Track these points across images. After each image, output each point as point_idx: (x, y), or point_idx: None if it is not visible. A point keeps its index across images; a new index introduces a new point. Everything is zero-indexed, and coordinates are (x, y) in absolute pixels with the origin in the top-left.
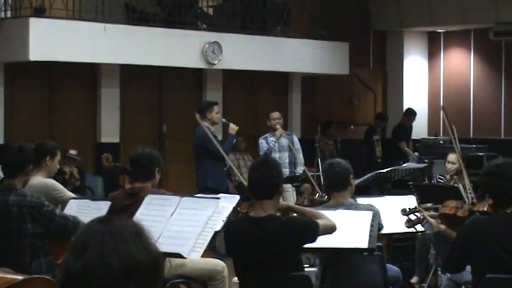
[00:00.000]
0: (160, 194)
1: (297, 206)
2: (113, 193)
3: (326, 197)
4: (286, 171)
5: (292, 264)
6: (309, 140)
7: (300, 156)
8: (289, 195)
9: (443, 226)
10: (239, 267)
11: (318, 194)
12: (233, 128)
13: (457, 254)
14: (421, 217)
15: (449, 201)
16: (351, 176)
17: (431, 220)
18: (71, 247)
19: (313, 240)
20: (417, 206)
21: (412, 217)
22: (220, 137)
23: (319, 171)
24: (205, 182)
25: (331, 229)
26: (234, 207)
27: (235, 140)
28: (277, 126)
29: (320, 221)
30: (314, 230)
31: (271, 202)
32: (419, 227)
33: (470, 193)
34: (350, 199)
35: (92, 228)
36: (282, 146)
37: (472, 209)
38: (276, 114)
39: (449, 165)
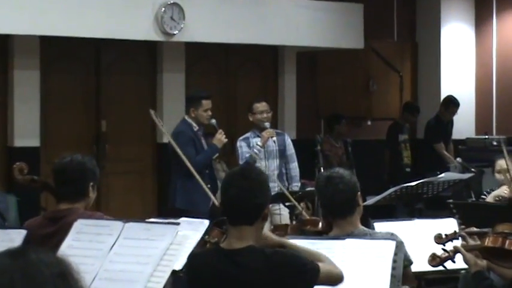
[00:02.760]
0: (96, 219)
1: (292, 243)
2: (31, 220)
3: (321, 224)
4: (274, 187)
5: None
6: (308, 142)
7: (295, 166)
8: (284, 220)
9: (484, 263)
10: None
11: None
12: (220, 139)
13: None
14: (452, 251)
15: (502, 225)
16: (359, 193)
17: (467, 255)
18: None
19: None
20: (457, 231)
21: (439, 252)
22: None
23: None
24: (173, 201)
25: (336, 279)
26: (202, 236)
27: (216, 155)
28: (265, 123)
29: (322, 265)
30: (312, 274)
31: (251, 230)
32: (449, 264)
33: None
34: (361, 226)
35: None
36: (269, 150)
37: None
38: (262, 106)
39: (501, 176)
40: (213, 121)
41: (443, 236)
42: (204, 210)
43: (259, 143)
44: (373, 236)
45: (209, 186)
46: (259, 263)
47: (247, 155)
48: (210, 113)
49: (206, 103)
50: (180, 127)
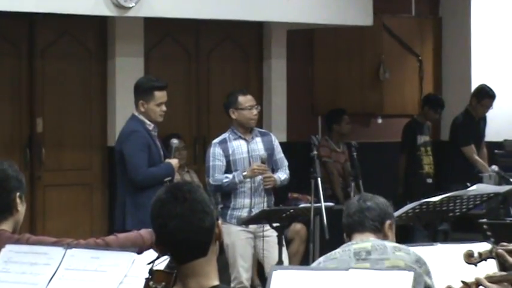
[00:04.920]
0: (29, 244)
1: None
2: None
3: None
4: (260, 202)
5: None
6: (302, 146)
7: (282, 175)
8: (270, 246)
9: None
10: None
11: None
12: (176, 164)
13: None
14: (473, 284)
15: None
16: (389, 222)
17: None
18: None
19: None
20: (494, 249)
21: (456, 285)
22: None
23: (319, 201)
24: (122, 221)
25: None
26: (146, 280)
27: (168, 179)
28: (251, 121)
29: None
30: None
31: (208, 261)
32: None
33: None
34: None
35: None
36: (254, 156)
37: None
38: (249, 100)
39: None
40: (175, 142)
41: (476, 255)
42: None
43: (245, 173)
44: (389, 249)
45: None
46: None
47: (225, 181)
48: (164, 108)
49: (160, 95)
50: (131, 125)
